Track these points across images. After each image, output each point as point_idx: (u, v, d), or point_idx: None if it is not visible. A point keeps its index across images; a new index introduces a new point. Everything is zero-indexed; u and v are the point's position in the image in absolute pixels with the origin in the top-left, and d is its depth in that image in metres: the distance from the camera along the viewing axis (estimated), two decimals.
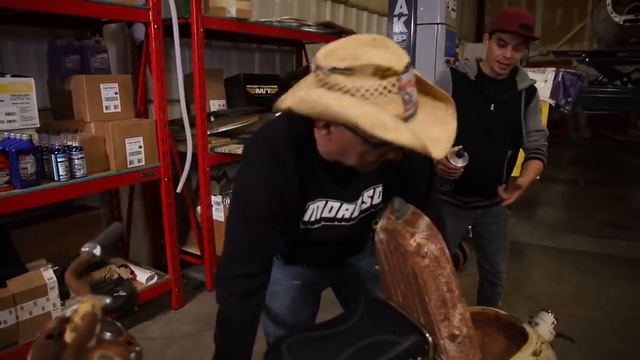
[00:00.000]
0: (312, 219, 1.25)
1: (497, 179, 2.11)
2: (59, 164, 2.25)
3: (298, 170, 1.15)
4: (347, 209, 1.27)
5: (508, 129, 2.08)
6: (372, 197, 1.31)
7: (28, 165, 2.14)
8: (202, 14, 2.73)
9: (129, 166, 2.55)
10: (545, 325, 1.63)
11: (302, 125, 1.12)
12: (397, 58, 0.94)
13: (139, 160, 2.60)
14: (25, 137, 2.14)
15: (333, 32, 3.99)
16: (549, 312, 1.66)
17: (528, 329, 1.48)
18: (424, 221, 1.15)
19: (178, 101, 2.82)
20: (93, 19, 2.64)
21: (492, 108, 2.05)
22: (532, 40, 1.98)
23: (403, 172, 1.29)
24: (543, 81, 3.75)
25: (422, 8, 3.08)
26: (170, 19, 2.75)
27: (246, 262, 1.16)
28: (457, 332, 1.19)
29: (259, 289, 1.21)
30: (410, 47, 3.14)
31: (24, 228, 2.49)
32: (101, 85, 2.52)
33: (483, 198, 2.19)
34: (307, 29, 3.76)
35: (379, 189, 1.30)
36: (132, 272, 2.80)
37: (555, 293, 3.15)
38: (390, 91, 0.93)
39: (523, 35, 1.89)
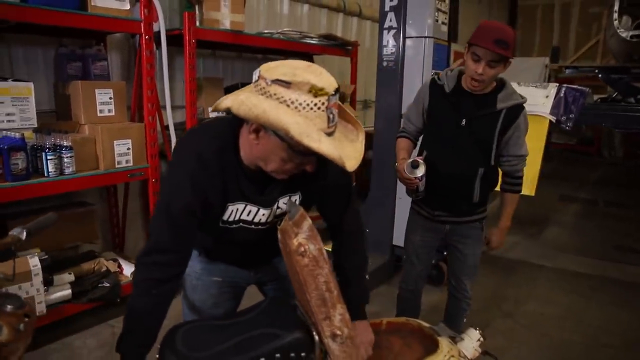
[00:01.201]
0: (231, 219, 1.35)
1: (466, 196, 2.09)
2: (48, 161, 2.45)
3: (221, 173, 1.26)
4: (263, 214, 1.36)
5: (478, 146, 2.03)
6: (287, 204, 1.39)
7: (19, 161, 2.35)
8: (194, 26, 2.90)
9: (117, 166, 2.73)
10: (470, 341, 1.65)
11: (229, 131, 1.26)
12: (329, 83, 1.10)
13: (127, 161, 2.78)
14: (18, 135, 2.37)
15: (335, 43, 4.10)
16: (476, 329, 1.69)
17: (442, 342, 1.51)
18: (307, 222, 1.22)
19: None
20: (96, 30, 2.87)
21: (463, 123, 2.00)
22: (505, 59, 1.85)
23: (322, 185, 1.38)
24: (544, 96, 3.69)
25: (410, 21, 3.12)
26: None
27: (164, 252, 1.27)
28: (338, 332, 1.25)
29: (172, 278, 1.30)
30: (399, 60, 3.19)
31: (21, 219, 2.72)
32: (96, 91, 2.73)
33: (450, 213, 2.17)
34: (308, 41, 3.88)
35: (295, 197, 1.38)
36: (119, 266, 2.98)
37: (537, 313, 3.08)
38: (319, 108, 1.08)
39: (495, 52, 1.80)
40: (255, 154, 1.23)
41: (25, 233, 1.27)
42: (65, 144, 2.51)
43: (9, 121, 2.43)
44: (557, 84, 3.73)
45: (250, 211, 1.35)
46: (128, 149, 2.78)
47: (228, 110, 1.14)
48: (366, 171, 3.84)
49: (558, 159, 8.67)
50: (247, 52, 4.08)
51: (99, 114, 2.75)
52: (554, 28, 9.43)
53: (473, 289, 2.35)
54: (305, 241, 1.20)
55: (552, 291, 3.43)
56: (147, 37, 2.72)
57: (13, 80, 2.48)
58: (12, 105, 2.45)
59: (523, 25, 9.70)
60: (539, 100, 3.68)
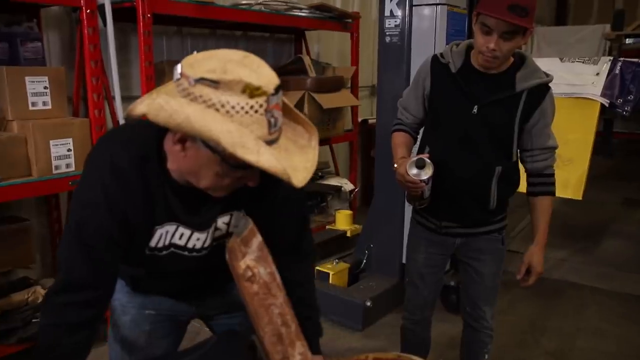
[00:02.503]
0: (160, 244, 1.33)
1: (481, 202, 2.05)
2: None
3: (143, 188, 1.24)
4: (198, 239, 1.34)
5: (494, 139, 1.99)
6: (228, 224, 1.37)
7: None
8: None
9: (54, 172, 2.75)
10: None
11: (151, 137, 1.23)
12: (268, 79, 1.08)
13: (67, 166, 2.80)
14: None
15: (329, 15, 4.10)
16: None
17: None
18: (257, 240, 1.22)
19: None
20: (27, 2, 2.90)
21: (474, 111, 1.96)
22: (524, 28, 1.79)
23: (270, 200, 1.37)
24: (594, 74, 3.67)
25: None
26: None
27: (79, 289, 1.24)
28: None
29: (90, 322, 1.29)
30: (405, 33, 3.17)
31: None
32: (27, 79, 2.74)
33: (461, 224, 2.14)
34: (296, 13, 3.89)
35: (240, 214, 1.36)
36: None
37: (587, 349, 3.04)
38: (257, 111, 1.06)
39: (510, 22, 1.73)
40: (183, 168, 1.21)
41: None
42: None
43: None
44: (611, 58, 3.70)
45: (182, 234, 1.33)
46: (69, 150, 2.79)
47: (143, 117, 1.10)
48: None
49: (622, 154, 8.56)
50: (221, 28, 4.10)
51: (31, 108, 2.75)
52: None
53: (499, 318, 2.31)
54: (254, 263, 1.20)
55: (608, 321, 3.38)
56: (88, 10, 2.74)
57: None
58: None
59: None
60: (587, 79, 3.67)
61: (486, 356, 2.35)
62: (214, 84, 1.04)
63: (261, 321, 1.21)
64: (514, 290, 3.76)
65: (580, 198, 3.57)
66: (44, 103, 2.81)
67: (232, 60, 1.09)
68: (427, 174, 1.92)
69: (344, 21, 4.30)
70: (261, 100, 1.06)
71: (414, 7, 3.16)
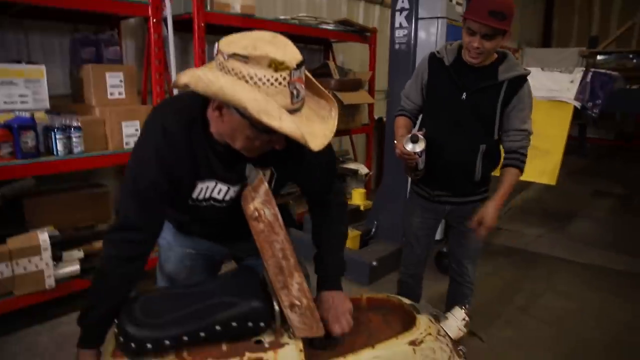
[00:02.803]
0: (201, 197, 1.30)
1: (468, 175, 1.99)
2: (57, 140, 2.51)
3: (189, 150, 1.21)
4: (234, 191, 1.31)
5: (479, 121, 1.93)
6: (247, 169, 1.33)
7: (29, 139, 2.42)
8: (203, 10, 2.90)
9: (125, 147, 2.77)
10: (455, 320, 1.55)
11: (197, 106, 1.21)
12: (291, 55, 1.04)
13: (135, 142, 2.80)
14: (28, 115, 2.43)
15: (352, 29, 4.01)
16: (462, 308, 1.58)
17: (420, 319, 1.43)
18: (264, 187, 1.17)
19: None
20: (110, 15, 2.92)
21: (463, 97, 1.91)
22: (502, 32, 1.75)
23: (297, 162, 1.32)
24: (569, 81, 3.50)
25: (422, 2, 3.01)
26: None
27: (132, 229, 1.23)
28: (297, 302, 1.19)
29: (139, 257, 1.27)
30: (411, 42, 3.09)
31: (36, 198, 2.80)
32: (107, 74, 2.77)
33: (450, 193, 2.07)
34: (324, 27, 3.81)
35: (267, 173, 1.32)
36: None
37: (556, 308, 2.91)
38: (280, 83, 1.03)
39: (490, 25, 1.71)
40: (221, 131, 1.18)
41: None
42: (74, 124, 2.56)
43: (22, 102, 2.50)
44: (584, 68, 3.51)
45: (220, 190, 1.30)
46: (136, 130, 2.81)
47: (186, 87, 1.07)
48: None
49: (593, 155, 8.19)
50: None
51: (109, 97, 2.79)
52: (593, 17, 8.93)
53: (484, 278, 2.21)
54: (260, 206, 1.15)
55: (575, 286, 3.22)
56: (154, 20, 2.74)
57: (26, 63, 2.56)
58: (25, 87, 2.51)
59: (560, 13, 9.25)
60: (563, 85, 3.50)
61: (467, 305, 2.26)
62: (244, 59, 1.01)
63: (266, 254, 1.16)
64: (499, 258, 3.64)
65: (554, 183, 3.41)
66: (119, 93, 2.83)
67: (263, 39, 1.04)
68: (420, 147, 1.87)
69: (364, 34, 4.20)
70: (284, 73, 1.02)
71: (419, 20, 3.07)
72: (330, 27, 3.85)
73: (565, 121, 3.41)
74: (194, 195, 1.29)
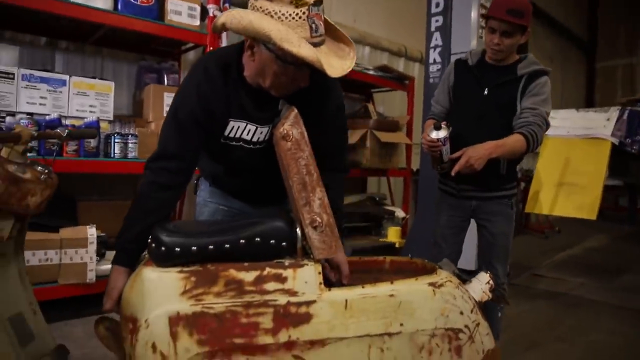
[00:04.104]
0: (232, 135, 1.44)
1: (493, 168, 1.98)
2: (115, 144, 2.77)
3: (225, 88, 1.38)
4: (261, 132, 1.45)
5: (501, 114, 1.99)
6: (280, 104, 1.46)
7: (91, 141, 2.69)
8: None
9: None
10: (479, 283, 1.53)
11: (234, 54, 1.40)
12: None
13: None
14: (94, 119, 2.72)
15: (391, 76, 4.25)
16: (486, 273, 1.56)
17: (441, 271, 1.43)
18: (294, 112, 1.29)
19: None
20: (173, 42, 3.29)
21: (485, 92, 2.02)
22: (521, 28, 1.88)
23: (318, 113, 1.43)
24: (605, 119, 3.51)
25: (455, 39, 3.22)
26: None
27: (171, 158, 1.36)
28: (318, 219, 1.25)
29: (175, 186, 1.40)
30: None
31: (88, 202, 3.03)
32: (165, 94, 3.08)
33: (476, 187, 2.08)
34: (365, 71, 4.08)
35: (285, 103, 1.44)
36: None
37: (598, 341, 2.70)
38: (300, 17, 1.21)
39: (508, 21, 1.85)
40: (253, 71, 1.34)
41: (66, 132, 1.45)
42: (131, 132, 2.83)
43: (91, 111, 2.82)
44: (620, 107, 3.54)
45: (249, 130, 1.43)
46: None
47: (224, 27, 1.27)
48: None
49: None
50: None
51: (164, 114, 3.06)
52: (638, 89, 8.95)
53: (521, 315, 2.11)
54: (289, 127, 1.27)
55: (620, 324, 3.00)
56: (211, 48, 3.07)
57: (98, 79, 2.92)
58: (95, 99, 2.84)
59: (603, 86, 9.33)
60: (599, 123, 3.52)
61: (499, 314, 2.18)
62: None
63: (291, 172, 1.25)
64: (538, 300, 3.47)
65: (594, 218, 3.30)
66: None
67: None
68: (442, 134, 1.92)
69: (403, 82, 4.43)
70: (304, 9, 1.20)
71: (451, 56, 3.25)
72: (370, 72, 4.10)
73: (603, 157, 3.38)
74: (226, 132, 1.42)
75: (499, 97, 1.99)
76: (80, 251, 2.63)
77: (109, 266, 2.70)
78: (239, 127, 1.43)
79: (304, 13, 1.20)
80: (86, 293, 2.66)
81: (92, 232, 2.68)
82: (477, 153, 1.82)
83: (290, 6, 1.20)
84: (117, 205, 3.12)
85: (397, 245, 4.04)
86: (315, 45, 1.23)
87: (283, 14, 1.20)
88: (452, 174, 1.88)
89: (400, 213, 4.55)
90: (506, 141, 1.87)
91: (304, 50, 1.18)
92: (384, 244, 4.07)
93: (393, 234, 4.11)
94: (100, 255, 2.75)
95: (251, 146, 1.46)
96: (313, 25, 1.21)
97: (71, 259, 2.60)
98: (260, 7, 1.22)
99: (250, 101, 1.40)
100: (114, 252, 2.84)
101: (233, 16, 1.24)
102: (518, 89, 1.96)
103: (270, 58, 1.26)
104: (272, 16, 1.20)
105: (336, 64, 1.26)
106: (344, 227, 1.57)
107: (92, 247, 2.66)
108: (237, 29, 1.23)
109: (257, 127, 1.43)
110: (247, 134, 1.44)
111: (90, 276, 2.65)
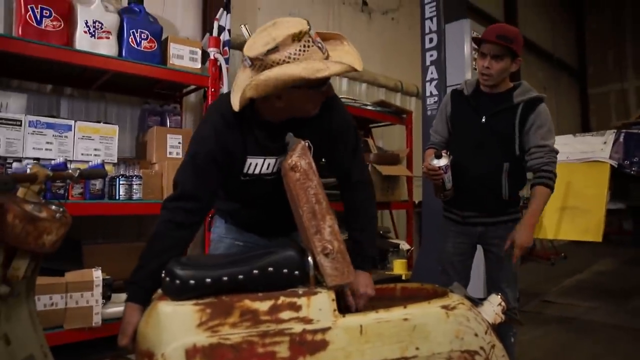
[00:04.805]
0: (251, 171, 1.49)
1: (495, 193, 2.07)
2: (120, 185, 2.81)
3: (241, 128, 1.45)
4: (280, 162, 1.49)
5: (500, 141, 2.05)
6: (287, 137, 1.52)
7: (97, 183, 2.74)
8: None
9: None
10: (491, 305, 1.55)
11: None
12: (298, 22, 1.32)
13: None
14: (99, 162, 2.78)
15: (389, 110, 4.35)
16: (497, 294, 1.58)
17: (453, 294, 1.45)
18: (301, 144, 1.35)
19: None
20: (175, 86, 3.39)
21: (482, 120, 2.08)
22: (511, 51, 1.96)
23: (327, 131, 1.51)
24: (602, 143, 3.58)
25: (450, 72, 3.33)
26: None
27: (188, 198, 1.41)
28: (329, 246, 1.28)
29: (191, 225, 1.44)
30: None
31: (94, 245, 3.04)
32: (168, 135, 3.15)
33: (480, 213, 2.13)
34: (363, 107, 4.18)
35: (292, 135, 1.49)
36: None
37: None
38: (309, 47, 1.30)
39: (498, 43, 1.95)
40: (277, 111, 1.40)
41: (78, 173, 1.50)
42: (135, 173, 2.88)
43: (96, 155, 2.87)
44: (615, 130, 3.62)
45: (269, 164, 1.49)
46: None
47: (252, 99, 1.34)
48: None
49: None
50: None
51: (168, 155, 3.13)
52: (631, 113, 9.12)
53: (534, 341, 2.14)
54: (297, 159, 1.32)
55: (636, 348, 2.95)
56: (213, 89, 3.17)
57: (103, 123, 2.99)
58: (100, 143, 2.91)
59: (596, 112, 9.51)
60: (596, 147, 3.59)
61: (512, 339, 2.16)
62: (275, 49, 1.28)
63: (301, 201, 1.29)
64: (551, 324, 3.44)
65: (600, 240, 3.32)
66: (177, 153, 3.16)
67: (269, 28, 1.31)
68: (443, 162, 2.00)
69: (400, 116, 4.52)
70: (306, 37, 1.28)
71: (447, 88, 3.35)
72: (369, 107, 4.20)
73: (603, 179, 3.43)
74: (244, 169, 1.47)
75: (496, 125, 2.06)
76: (86, 294, 2.62)
77: (115, 309, 2.76)
78: (257, 163, 1.48)
79: (307, 41, 1.28)
80: (92, 337, 2.63)
81: (97, 274, 2.68)
82: (523, 236, 1.95)
83: (294, 44, 1.28)
84: (122, 247, 3.13)
85: (403, 278, 4.01)
86: (328, 58, 1.31)
87: (294, 54, 1.27)
88: (514, 261, 1.99)
89: (404, 245, 4.55)
90: (537, 205, 1.99)
91: (332, 68, 1.27)
92: (390, 277, 4.05)
93: (399, 267, 4.10)
94: (106, 298, 2.74)
95: (272, 177, 1.51)
96: (319, 45, 1.31)
97: (77, 303, 2.59)
98: (273, 62, 1.28)
99: (267, 136, 1.46)
100: (119, 295, 2.86)
101: (257, 85, 1.28)
102: (516, 117, 2.02)
103: (302, 94, 1.34)
104: (288, 62, 1.27)
105: (349, 59, 1.34)
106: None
107: (98, 290, 2.66)
108: (268, 91, 1.29)
109: (276, 159, 1.48)
110: (267, 168, 1.49)
111: (96, 320, 2.63)
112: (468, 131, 2.13)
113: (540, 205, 2.01)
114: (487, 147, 2.07)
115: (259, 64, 1.29)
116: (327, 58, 1.31)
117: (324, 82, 1.31)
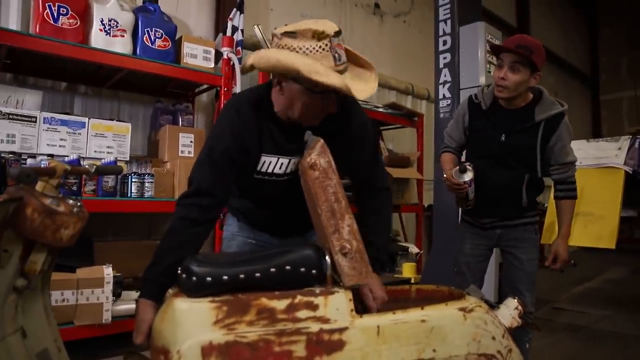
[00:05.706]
0: (264, 170, 1.49)
1: (515, 203, 2.07)
2: (132, 183, 2.83)
3: (257, 123, 1.45)
4: (294, 164, 1.50)
5: (521, 158, 2.03)
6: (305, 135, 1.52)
7: (109, 180, 2.75)
8: None
9: None
10: (507, 309, 1.53)
11: (264, 91, 1.49)
12: (330, 27, 1.32)
13: None
14: (112, 159, 2.79)
15: (400, 113, 4.34)
16: (514, 298, 1.56)
17: (469, 296, 1.44)
18: (320, 142, 1.34)
19: None
20: (188, 85, 3.41)
21: (502, 138, 2.02)
22: (530, 63, 1.90)
23: (345, 135, 1.51)
24: (617, 149, 3.55)
25: (463, 74, 3.32)
26: None
27: (203, 195, 1.41)
28: (347, 246, 1.27)
29: (206, 222, 1.44)
30: (453, 110, 3.33)
31: (104, 242, 3.05)
32: (180, 134, 3.16)
33: (499, 219, 2.13)
34: (375, 109, 4.17)
35: (310, 134, 1.50)
36: None
37: None
38: (324, 49, 1.30)
39: (517, 52, 1.88)
40: (282, 105, 1.41)
41: (94, 168, 1.50)
42: (147, 171, 2.89)
43: (108, 152, 2.89)
44: (630, 136, 3.58)
45: (282, 164, 1.49)
46: None
47: (252, 67, 1.36)
48: None
49: None
50: None
51: (180, 154, 3.14)
52: None
53: (545, 350, 2.16)
54: (316, 157, 1.31)
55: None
56: (225, 89, 3.18)
57: (116, 121, 3.01)
58: (112, 140, 2.92)
59: (608, 118, 9.43)
60: (611, 152, 3.56)
61: (527, 345, 2.14)
62: (293, 34, 1.29)
63: (319, 200, 1.28)
64: (561, 333, 3.40)
65: (614, 247, 3.28)
66: (189, 152, 3.17)
67: (309, 20, 1.32)
68: (468, 176, 1.98)
69: (412, 118, 4.51)
70: (326, 40, 1.28)
71: (460, 90, 3.34)
72: (380, 109, 4.20)
73: (617, 186, 3.40)
74: (258, 167, 1.47)
75: (517, 143, 2.02)
76: (97, 291, 2.63)
77: (125, 306, 2.77)
78: (270, 161, 1.48)
79: (326, 45, 1.28)
80: (102, 334, 2.64)
81: (108, 271, 2.70)
82: (561, 250, 2.04)
83: (312, 40, 1.28)
84: (133, 245, 3.14)
85: (412, 281, 3.99)
86: (340, 72, 1.30)
87: (307, 48, 1.27)
88: (560, 269, 2.08)
89: (414, 249, 4.53)
90: (569, 217, 2.07)
91: (331, 78, 1.25)
92: (399, 280, 4.03)
93: (408, 270, 4.07)
94: (116, 295, 2.75)
95: (282, 178, 1.51)
96: (336, 55, 1.30)
97: (87, 299, 2.60)
98: (285, 45, 1.30)
99: (282, 134, 1.46)
100: (129, 292, 2.87)
101: (260, 57, 1.32)
102: (537, 137, 1.99)
103: (299, 90, 1.34)
104: (297, 52, 1.28)
105: (362, 86, 1.34)
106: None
107: (109, 287, 2.67)
108: (266, 67, 1.32)
109: (289, 160, 1.48)
110: (280, 168, 1.49)
111: (106, 317, 2.64)
112: (487, 147, 2.09)
113: (571, 218, 2.08)
114: (507, 163, 2.05)
115: (275, 41, 1.32)
116: (339, 71, 1.29)
117: (324, 92, 1.29)
